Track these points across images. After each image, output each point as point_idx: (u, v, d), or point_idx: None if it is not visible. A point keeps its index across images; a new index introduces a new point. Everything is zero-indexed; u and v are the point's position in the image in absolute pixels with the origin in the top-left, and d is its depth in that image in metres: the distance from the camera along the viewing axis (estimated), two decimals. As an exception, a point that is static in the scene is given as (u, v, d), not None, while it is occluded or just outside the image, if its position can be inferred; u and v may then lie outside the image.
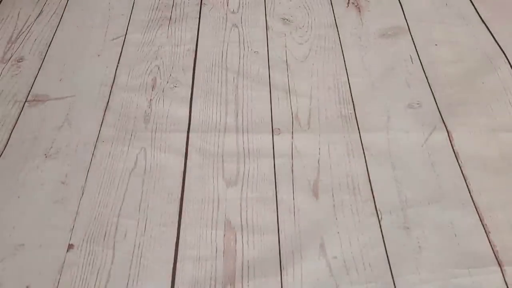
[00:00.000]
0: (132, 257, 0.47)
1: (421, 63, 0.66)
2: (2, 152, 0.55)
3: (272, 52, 0.67)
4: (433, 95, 0.62)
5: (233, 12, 0.73)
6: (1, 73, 0.64)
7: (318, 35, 0.69)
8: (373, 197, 0.51)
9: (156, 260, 0.46)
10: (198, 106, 0.60)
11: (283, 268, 0.46)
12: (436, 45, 0.68)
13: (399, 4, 0.74)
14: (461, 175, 0.53)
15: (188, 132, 0.57)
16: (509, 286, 0.45)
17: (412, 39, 0.69)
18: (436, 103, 0.61)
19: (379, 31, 0.70)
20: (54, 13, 0.72)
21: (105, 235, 0.48)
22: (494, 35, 0.69)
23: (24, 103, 0.60)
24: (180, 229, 0.49)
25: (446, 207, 0.51)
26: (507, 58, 0.66)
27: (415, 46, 0.68)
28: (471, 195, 0.52)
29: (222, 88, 0.62)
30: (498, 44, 0.68)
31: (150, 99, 0.61)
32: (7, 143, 0.56)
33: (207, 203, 0.51)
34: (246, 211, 0.50)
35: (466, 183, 0.53)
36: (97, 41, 0.68)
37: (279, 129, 0.58)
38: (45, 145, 0.56)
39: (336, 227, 0.49)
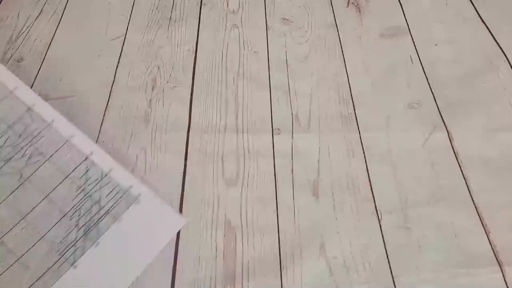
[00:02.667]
0: (132, 257, 0.47)
1: (421, 63, 0.66)
2: (2, 152, 0.55)
3: (272, 52, 0.67)
4: (433, 95, 0.62)
5: (233, 12, 0.73)
6: (1, 73, 0.64)
7: (318, 35, 0.69)
8: (373, 197, 0.52)
9: (156, 260, 0.46)
10: (198, 106, 0.60)
11: (283, 268, 0.46)
12: (436, 45, 0.68)
13: (399, 4, 0.74)
14: (461, 175, 0.53)
15: (188, 132, 0.57)
16: (509, 286, 0.45)
17: (412, 39, 0.69)
18: (436, 103, 0.61)
19: (379, 31, 0.70)
20: (54, 13, 0.72)
21: (105, 235, 0.48)
22: (494, 35, 0.69)
23: (24, 103, 0.60)
24: (180, 229, 0.49)
25: (446, 207, 0.51)
26: (507, 58, 0.66)
27: (415, 46, 0.68)
28: (471, 195, 0.52)
29: (222, 88, 0.62)
30: (498, 44, 0.68)
31: (150, 99, 0.61)
32: (7, 143, 0.56)
33: (207, 203, 0.51)
34: (246, 211, 0.50)
35: (466, 183, 0.53)
36: (97, 41, 0.68)
37: (279, 129, 0.58)
38: (45, 145, 0.56)
39: (336, 227, 0.49)
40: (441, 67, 0.65)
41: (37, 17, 0.71)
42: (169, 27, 0.70)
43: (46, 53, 0.66)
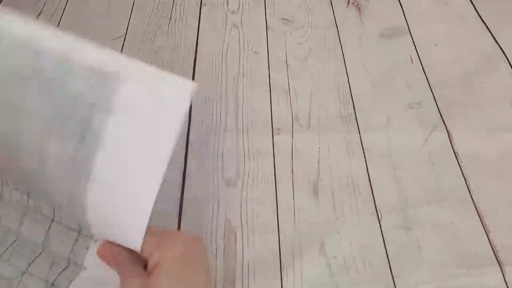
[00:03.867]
0: (132, 257, 0.47)
1: (421, 63, 0.66)
2: (2, 152, 0.55)
3: (272, 52, 0.67)
4: (433, 95, 0.62)
5: (233, 12, 0.73)
6: (1, 73, 0.64)
7: (318, 35, 0.69)
8: (373, 197, 0.52)
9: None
10: (198, 106, 0.60)
11: (283, 268, 0.46)
12: (436, 45, 0.68)
13: (399, 4, 0.74)
14: (461, 175, 0.53)
15: (188, 132, 0.57)
16: (509, 286, 0.45)
17: (412, 39, 0.69)
18: (436, 103, 0.61)
19: (379, 31, 0.70)
20: (54, 13, 0.72)
21: (105, 235, 0.48)
22: (494, 35, 0.69)
23: (24, 103, 0.60)
24: (180, 229, 0.49)
25: (446, 207, 0.51)
26: (507, 58, 0.66)
27: (415, 46, 0.68)
28: (471, 195, 0.52)
29: (222, 88, 0.62)
30: (498, 44, 0.68)
31: (150, 99, 0.61)
32: (7, 143, 0.56)
33: (207, 203, 0.51)
34: (246, 211, 0.50)
35: (466, 183, 0.53)
36: (97, 41, 0.68)
37: (279, 129, 0.58)
38: (45, 145, 0.56)
39: (336, 227, 0.49)
40: (441, 67, 0.65)
41: (37, 17, 0.71)
42: (169, 27, 0.70)
43: (46, 53, 0.66)
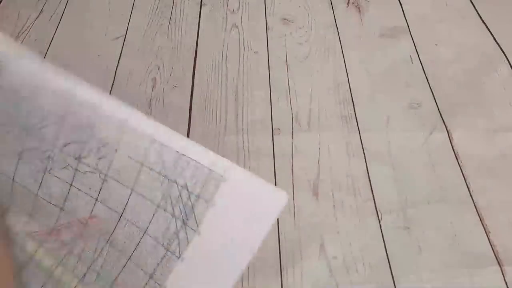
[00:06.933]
0: (132, 257, 0.47)
1: (421, 63, 0.66)
2: (2, 152, 0.55)
3: (272, 52, 0.67)
4: (433, 95, 0.62)
5: (233, 12, 0.73)
6: (1, 73, 0.64)
7: (318, 35, 0.69)
8: (373, 197, 0.52)
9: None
10: (198, 106, 0.60)
11: (283, 268, 0.46)
12: (436, 45, 0.68)
13: (399, 4, 0.74)
14: (461, 175, 0.53)
15: (188, 132, 0.57)
16: (509, 286, 0.45)
17: (412, 39, 0.69)
18: (436, 103, 0.61)
19: (379, 31, 0.70)
20: (54, 13, 0.72)
21: (105, 235, 0.48)
22: (494, 35, 0.69)
23: (24, 103, 0.60)
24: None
25: (446, 207, 0.51)
26: (507, 58, 0.66)
27: (415, 46, 0.68)
28: (471, 195, 0.52)
29: (222, 88, 0.62)
30: (498, 44, 0.68)
31: (150, 99, 0.61)
32: (7, 143, 0.56)
33: (207, 203, 0.51)
34: (246, 211, 0.50)
35: (466, 183, 0.53)
36: (97, 41, 0.68)
37: (279, 129, 0.58)
38: (45, 145, 0.56)
39: (336, 227, 0.49)
40: (441, 67, 0.65)
41: (37, 17, 0.71)
42: (169, 27, 0.70)
43: (46, 53, 0.66)
